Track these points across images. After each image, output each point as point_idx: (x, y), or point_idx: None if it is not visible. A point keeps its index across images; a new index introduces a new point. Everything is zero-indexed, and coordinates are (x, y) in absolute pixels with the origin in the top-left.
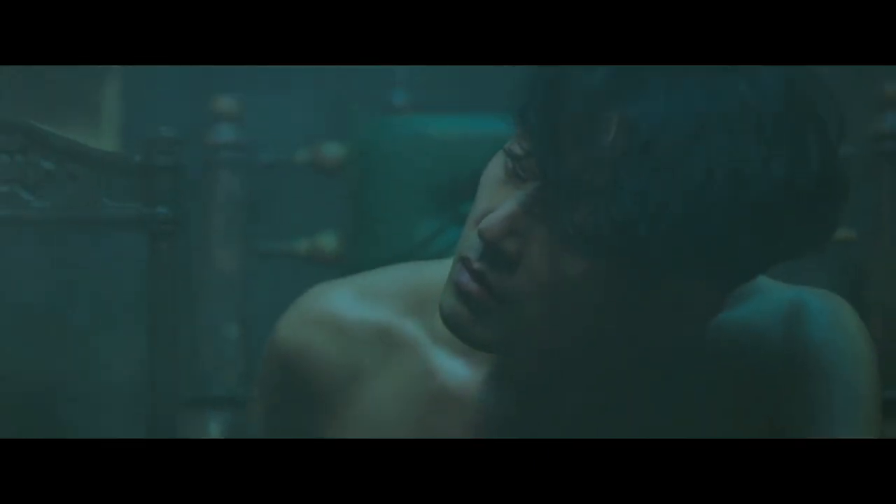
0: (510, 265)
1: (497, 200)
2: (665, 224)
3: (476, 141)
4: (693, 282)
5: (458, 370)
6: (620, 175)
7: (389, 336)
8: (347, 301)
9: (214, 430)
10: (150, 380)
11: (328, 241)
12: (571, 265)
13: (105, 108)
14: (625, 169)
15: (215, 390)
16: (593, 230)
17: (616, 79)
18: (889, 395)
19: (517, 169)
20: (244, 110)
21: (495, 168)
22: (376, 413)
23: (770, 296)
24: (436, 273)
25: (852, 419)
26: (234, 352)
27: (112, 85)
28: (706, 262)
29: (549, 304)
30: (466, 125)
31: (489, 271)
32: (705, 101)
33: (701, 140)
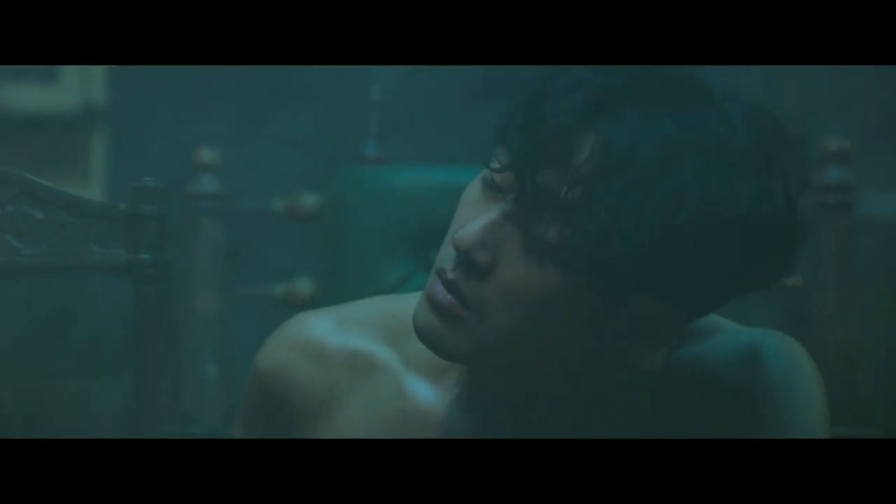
0: (482, 275)
1: (473, 216)
2: (635, 240)
3: (444, 192)
4: (658, 304)
5: (428, 393)
6: (595, 191)
7: (365, 361)
8: (327, 328)
9: None
10: (134, 419)
11: (304, 286)
12: (542, 279)
13: (93, 161)
14: (600, 185)
15: (197, 430)
16: (566, 243)
17: (594, 100)
18: (835, 431)
19: (495, 183)
20: (224, 162)
21: (474, 187)
22: (351, 434)
23: (730, 335)
24: (409, 305)
25: None
26: (214, 392)
27: (99, 138)
28: (672, 284)
29: (518, 316)
30: (435, 177)
31: (462, 281)
32: (677, 128)
33: (673, 162)
